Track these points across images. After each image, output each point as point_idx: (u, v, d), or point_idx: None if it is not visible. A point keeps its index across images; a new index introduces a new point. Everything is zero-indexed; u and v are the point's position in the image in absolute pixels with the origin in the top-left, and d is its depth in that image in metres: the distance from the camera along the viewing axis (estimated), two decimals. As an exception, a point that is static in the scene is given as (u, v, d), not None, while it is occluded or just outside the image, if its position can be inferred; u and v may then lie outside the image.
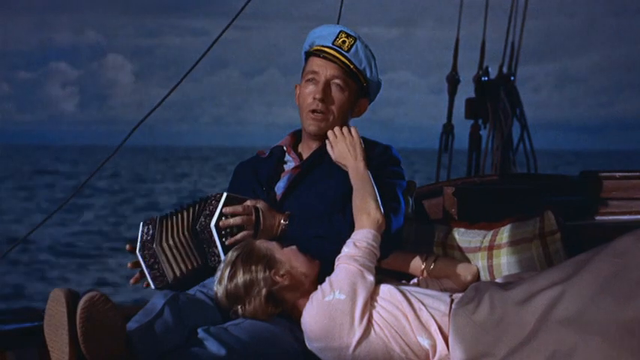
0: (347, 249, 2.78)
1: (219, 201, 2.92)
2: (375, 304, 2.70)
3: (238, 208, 2.91)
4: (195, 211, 2.96)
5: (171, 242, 2.96)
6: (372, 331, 2.66)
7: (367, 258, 2.76)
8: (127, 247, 3.02)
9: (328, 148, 3.02)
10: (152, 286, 2.98)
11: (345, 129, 3.01)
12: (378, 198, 2.88)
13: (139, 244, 2.99)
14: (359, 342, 2.65)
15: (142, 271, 3.01)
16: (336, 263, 2.77)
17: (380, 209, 2.85)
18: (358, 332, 2.65)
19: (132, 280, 3.04)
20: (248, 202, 2.94)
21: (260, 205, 2.95)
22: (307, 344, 2.72)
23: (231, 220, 2.89)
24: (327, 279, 2.74)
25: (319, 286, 2.73)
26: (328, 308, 2.67)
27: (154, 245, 2.96)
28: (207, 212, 2.92)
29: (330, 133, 3.02)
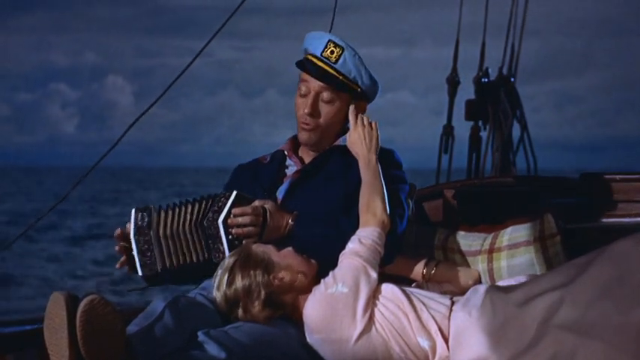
0: (352, 245, 2.79)
1: (228, 199, 2.94)
2: (377, 302, 2.71)
3: (247, 209, 2.92)
4: (202, 207, 2.97)
5: (168, 232, 2.96)
6: (373, 328, 2.66)
7: (372, 255, 2.77)
8: (117, 231, 3.02)
9: (347, 134, 3.04)
10: (139, 273, 2.99)
11: (366, 119, 3.03)
12: (386, 196, 2.90)
13: (132, 229, 2.99)
14: (359, 336, 2.65)
15: (130, 257, 3.00)
16: (340, 258, 2.78)
17: (386, 210, 2.87)
18: (359, 326, 2.65)
19: (118, 265, 3.04)
20: (256, 203, 2.96)
21: (268, 205, 2.96)
22: (307, 337, 2.72)
23: (240, 219, 2.90)
24: (330, 273, 2.74)
25: (322, 280, 2.74)
26: (330, 300, 2.68)
27: (151, 232, 2.97)
28: (216, 208, 2.94)
29: (352, 114, 3.04)
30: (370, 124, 3.02)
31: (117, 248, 3.02)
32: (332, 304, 2.67)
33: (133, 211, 3.02)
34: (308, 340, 2.72)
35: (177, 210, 2.99)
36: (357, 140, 2.99)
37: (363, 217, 2.86)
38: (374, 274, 2.74)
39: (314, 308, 2.70)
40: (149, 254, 2.97)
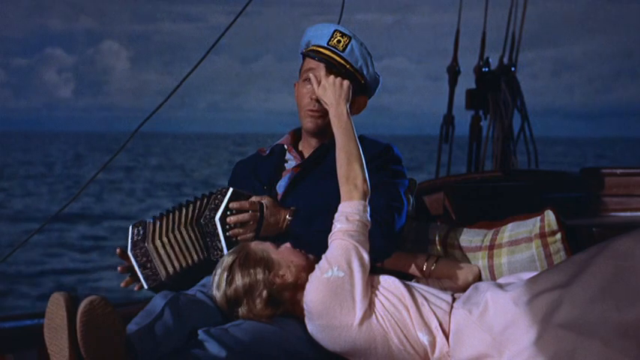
0: (340, 224, 2.75)
1: (224, 195, 2.94)
2: (378, 292, 2.70)
3: (245, 204, 2.92)
4: (199, 206, 2.97)
5: (165, 239, 2.97)
6: (373, 316, 2.66)
7: (361, 232, 2.74)
8: (117, 250, 3.04)
9: (313, 82, 3.00)
10: (145, 286, 3.00)
11: (336, 78, 2.97)
12: (362, 157, 2.85)
13: (129, 244, 3.01)
14: (360, 322, 2.65)
15: (133, 273, 3.02)
16: (329, 239, 2.76)
17: (366, 178, 2.81)
18: (359, 312, 2.65)
19: (123, 284, 3.06)
20: (253, 198, 2.95)
21: (265, 201, 2.96)
22: (308, 325, 2.72)
23: (234, 218, 2.91)
24: (323, 256, 2.73)
25: (316, 265, 2.73)
26: (328, 284, 2.66)
27: (146, 244, 2.98)
28: (213, 206, 2.94)
29: (322, 71, 3.01)
30: (342, 82, 2.96)
31: (119, 269, 3.04)
32: (330, 288, 2.66)
33: (130, 227, 3.04)
34: (308, 328, 2.72)
35: (171, 215, 3.00)
36: (327, 90, 2.94)
37: (344, 188, 2.81)
38: (366, 256, 2.71)
39: (313, 294, 2.68)
40: (149, 265, 2.98)
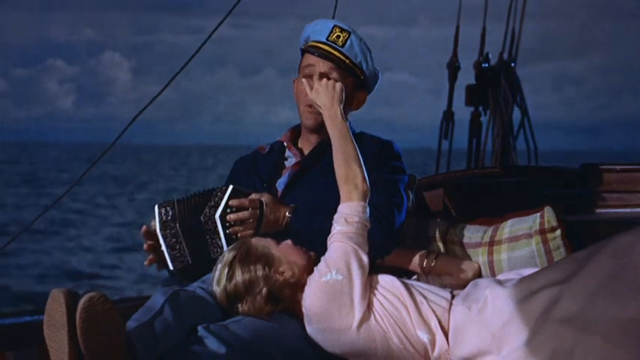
0: (339, 226, 2.74)
1: (224, 193, 2.93)
2: (376, 292, 2.69)
3: (244, 202, 2.91)
4: (197, 202, 2.96)
5: (187, 224, 2.94)
6: (372, 317, 2.65)
7: (360, 233, 2.73)
8: (143, 228, 2.99)
9: (306, 87, 2.99)
10: (170, 267, 2.97)
11: (329, 81, 2.97)
12: (360, 157, 2.83)
13: (158, 224, 2.96)
14: (359, 324, 2.64)
15: (158, 253, 2.98)
16: (328, 241, 2.75)
17: (365, 178, 2.80)
18: (358, 314, 2.64)
19: (146, 262, 3.02)
20: (253, 196, 2.95)
21: (265, 198, 2.96)
22: (307, 327, 2.71)
23: (237, 215, 2.90)
24: (322, 259, 2.72)
25: (315, 268, 2.72)
26: (326, 288, 2.66)
27: (177, 224, 2.95)
28: (212, 203, 2.93)
29: (315, 77, 3.01)
30: (334, 84, 2.95)
31: (145, 247, 3.00)
32: (329, 292, 2.66)
33: (156, 207, 2.99)
34: (308, 330, 2.71)
35: (188, 202, 2.97)
36: (319, 91, 2.93)
37: (343, 189, 2.79)
38: (365, 258, 2.71)
39: (311, 297, 2.68)
40: (178, 247, 2.95)
